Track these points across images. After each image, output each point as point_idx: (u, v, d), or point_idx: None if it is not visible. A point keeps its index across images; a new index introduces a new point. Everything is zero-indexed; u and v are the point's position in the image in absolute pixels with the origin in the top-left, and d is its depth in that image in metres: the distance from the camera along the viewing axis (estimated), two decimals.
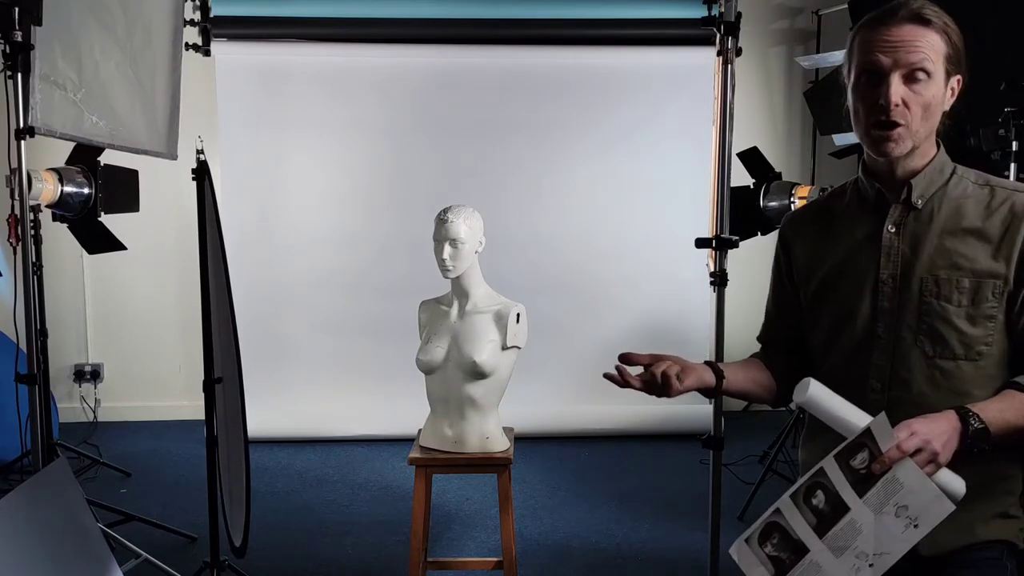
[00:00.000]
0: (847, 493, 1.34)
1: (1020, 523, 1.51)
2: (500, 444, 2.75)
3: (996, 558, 1.49)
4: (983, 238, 1.44)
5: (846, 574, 1.33)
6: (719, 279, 2.54)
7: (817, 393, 1.41)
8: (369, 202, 4.96)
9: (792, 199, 3.62)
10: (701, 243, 2.52)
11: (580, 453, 4.69)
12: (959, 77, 1.46)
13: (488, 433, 2.74)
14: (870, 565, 1.32)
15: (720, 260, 2.55)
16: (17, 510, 1.92)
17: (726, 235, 2.50)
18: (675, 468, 4.38)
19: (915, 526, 1.30)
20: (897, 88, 1.40)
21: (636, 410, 5.01)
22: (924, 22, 1.41)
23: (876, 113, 1.42)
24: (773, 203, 3.75)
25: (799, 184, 3.77)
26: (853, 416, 1.39)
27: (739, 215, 3.23)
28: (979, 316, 1.43)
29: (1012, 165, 2.78)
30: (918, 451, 1.29)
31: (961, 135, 2.89)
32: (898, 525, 1.30)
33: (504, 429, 2.82)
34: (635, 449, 4.74)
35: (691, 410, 4.97)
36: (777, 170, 3.92)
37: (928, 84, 1.41)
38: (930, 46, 1.40)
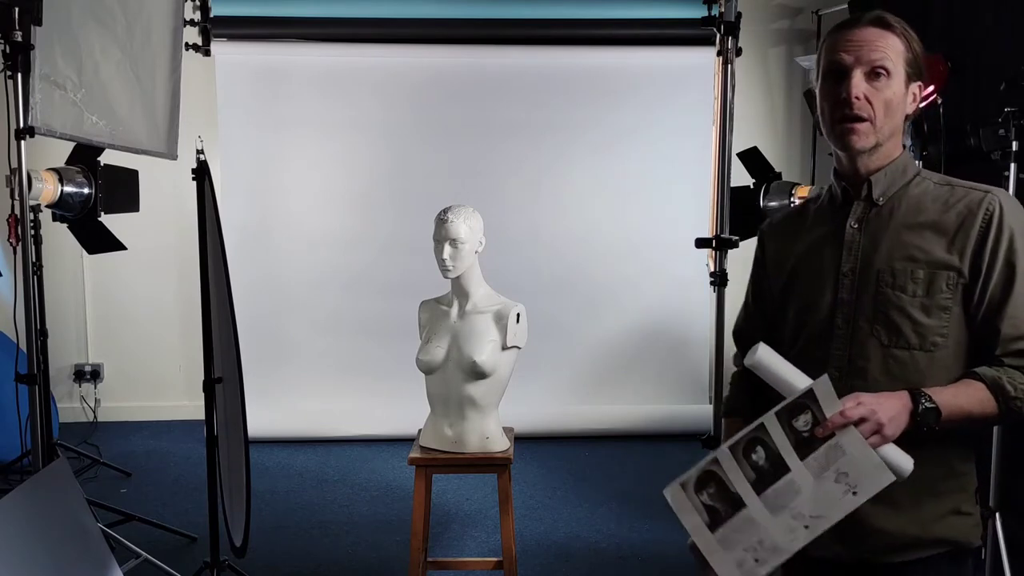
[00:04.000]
0: (788, 453, 1.36)
1: (974, 520, 1.54)
2: (500, 444, 2.75)
3: (946, 566, 1.52)
4: (938, 231, 1.49)
5: (781, 533, 1.34)
6: (719, 279, 2.55)
7: (765, 356, 1.45)
8: (369, 202, 4.96)
9: (792, 199, 3.61)
10: (701, 243, 2.52)
11: (580, 453, 4.69)
12: (920, 84, 1.53)
13: (488, 433, 2.74)
14: (805, 527, 1.34)
15: (720, 260, 2.55)
16: (17, 510, 1.92)
17: (726, 235, 2.50)
18: (675, 468, 4.32)
19: (854, 493, 1.33)
20: (859, 83, 1.47)
21: (636, 410, 5.01)
22: (885, 25, 1.49)
23: (840, 108, 1.49)
24: (773, 203, 3.74)
25: (799, 184, 3.75)
26: (797, 380, 1.42)
27: (739, 215, 3.23)
28: (933, 307, 1.47)
29: (1012, 165, 2.77)
30: (863, 420, 1.34)
31: (961, 135, 2.89)
32: (837, 490, 1.33)
33: (504, 429, 2.82)
34: (635, 449, 4.74)
35: (691, 410, 4.97)
36: (777, 170, 3.91)
37: (889, 82, 1.48)
38: (890, 47, 1.48)
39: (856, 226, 1.55)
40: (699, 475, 1.42)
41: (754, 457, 1.37)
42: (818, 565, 1.51)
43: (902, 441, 1.37)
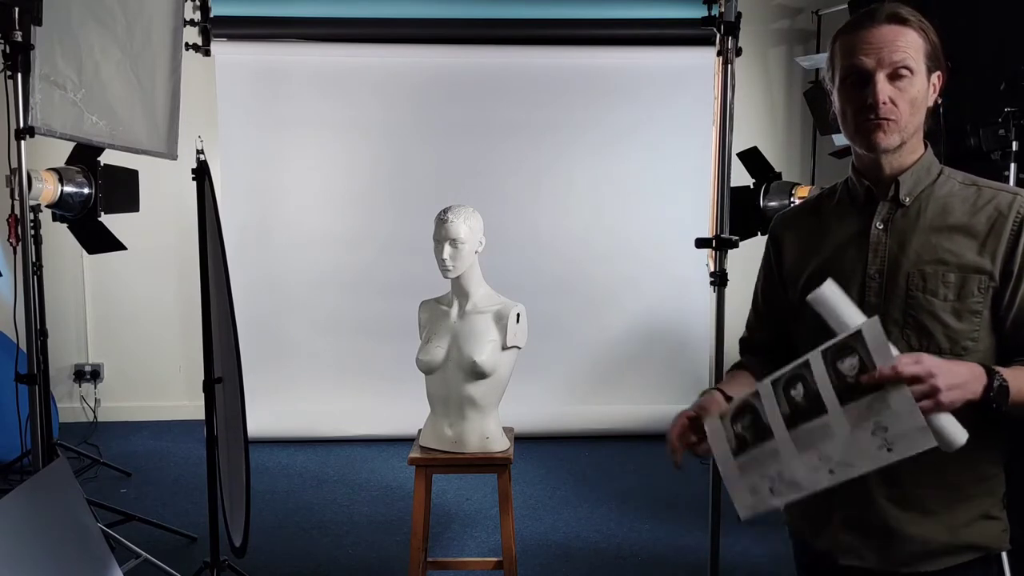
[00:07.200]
0: (828, 395, 1.30)
1: (1002, 524, 1.52)
2: (500, 444, 2.75)
3: (974, 574, 1.50)
4: (969, 234, 1.46)
5: (803, 470, 1.31)
6: (719, 279, 2.55)
7: (829, 290, 1.38)
8: (369, 202, 4.96)
9: (792, 199, 3.61)
10: (701, 243, 2.52)
11: (580, 453, 4.69)
12: (939, 73, 1.50)
13: (488, 433, 2.74)
14: (830, 471, 1.29)
15: (720, 260, 2.55)
16: (17, 510, 1.92)
17: (726, 235, 2.50)
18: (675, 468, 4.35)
19: (888, 450, 1.25)
20: (883, 87, 1.43)
21: (636, 410, 5.01)
22: (902, 21, 1.45)
23: (866, 112, 1.45)
24: (773, 203, 3.74)
25: (799, 184, 3.76)
26: (853, 319, 1.35)
27: (739, 215, 3.22)
28: (964, 310, 1.45)
29: (1012, 165, 2.77)
30: (917, 380, 1.24)
31: (961, 135, 2.89)
32: (872, 443, 1.26)
33: (504, 429, 2.82)
34: (635, 449, 4.74)
35: None
36: (777, 170, 3.91)
37: (912, 80, 1.45)
38: (910, 44, 1.45)
39: (881, 227, 1.51)
40: (738, 405, 1.40)
41: (793, 393, 1.33)
42: (847, 574, 1.50)
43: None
